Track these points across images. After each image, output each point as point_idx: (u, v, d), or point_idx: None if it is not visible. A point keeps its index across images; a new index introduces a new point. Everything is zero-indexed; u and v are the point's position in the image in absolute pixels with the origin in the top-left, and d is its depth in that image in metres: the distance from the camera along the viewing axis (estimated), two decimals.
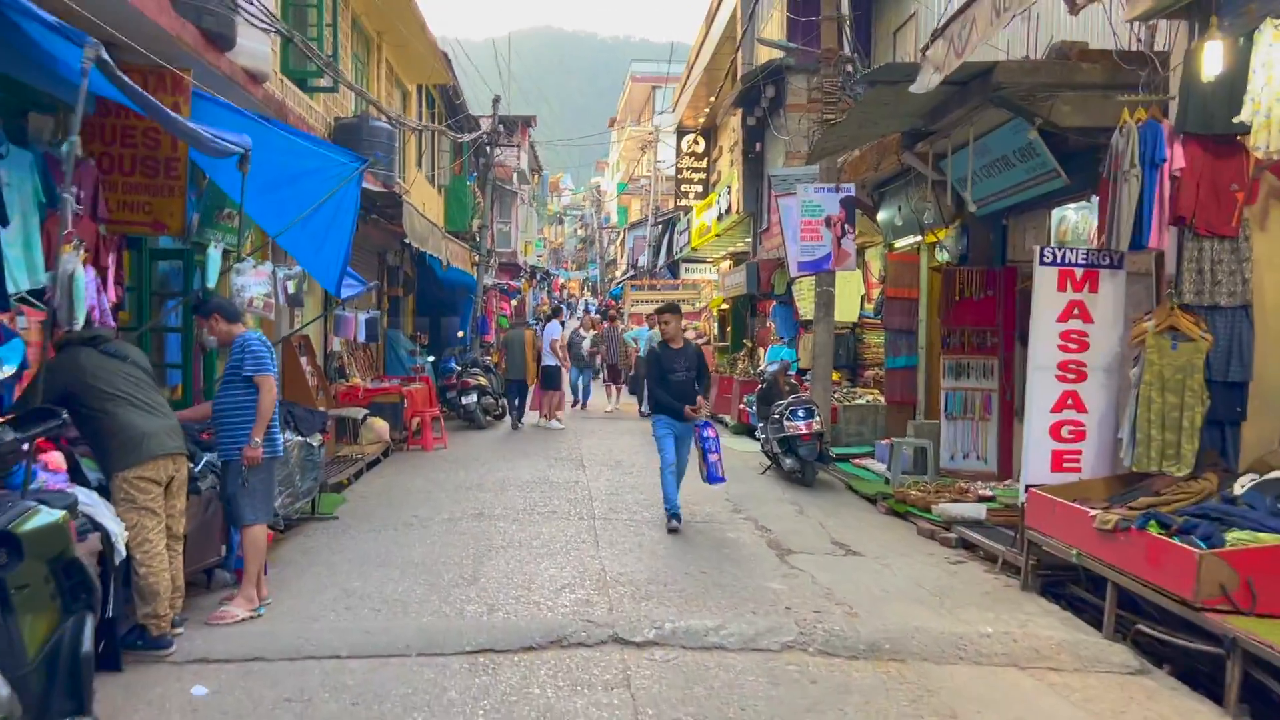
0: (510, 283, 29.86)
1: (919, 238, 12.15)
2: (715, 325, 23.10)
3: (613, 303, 42.17)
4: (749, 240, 21.51)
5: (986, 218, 10.24)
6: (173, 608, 5.12)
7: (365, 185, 10.57)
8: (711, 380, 14.72)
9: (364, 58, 15.57)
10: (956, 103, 8.64)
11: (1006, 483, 9.50)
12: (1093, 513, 5.89)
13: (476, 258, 19.63)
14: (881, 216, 12.90)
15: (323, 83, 12.37)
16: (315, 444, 8.22)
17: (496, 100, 19.92)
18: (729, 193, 19.76)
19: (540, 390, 15.98)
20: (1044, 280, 6.94)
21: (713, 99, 25.97)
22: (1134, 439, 6.46)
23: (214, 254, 6.00)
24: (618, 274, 57.47)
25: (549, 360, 15.87)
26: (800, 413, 10.45)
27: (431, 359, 17.44)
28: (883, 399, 13.34)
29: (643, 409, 18.03)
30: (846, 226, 11.80)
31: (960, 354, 10.44)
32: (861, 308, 15.34)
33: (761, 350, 18.09)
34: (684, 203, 29.49)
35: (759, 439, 11.94)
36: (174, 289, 7.65)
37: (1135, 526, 5.43)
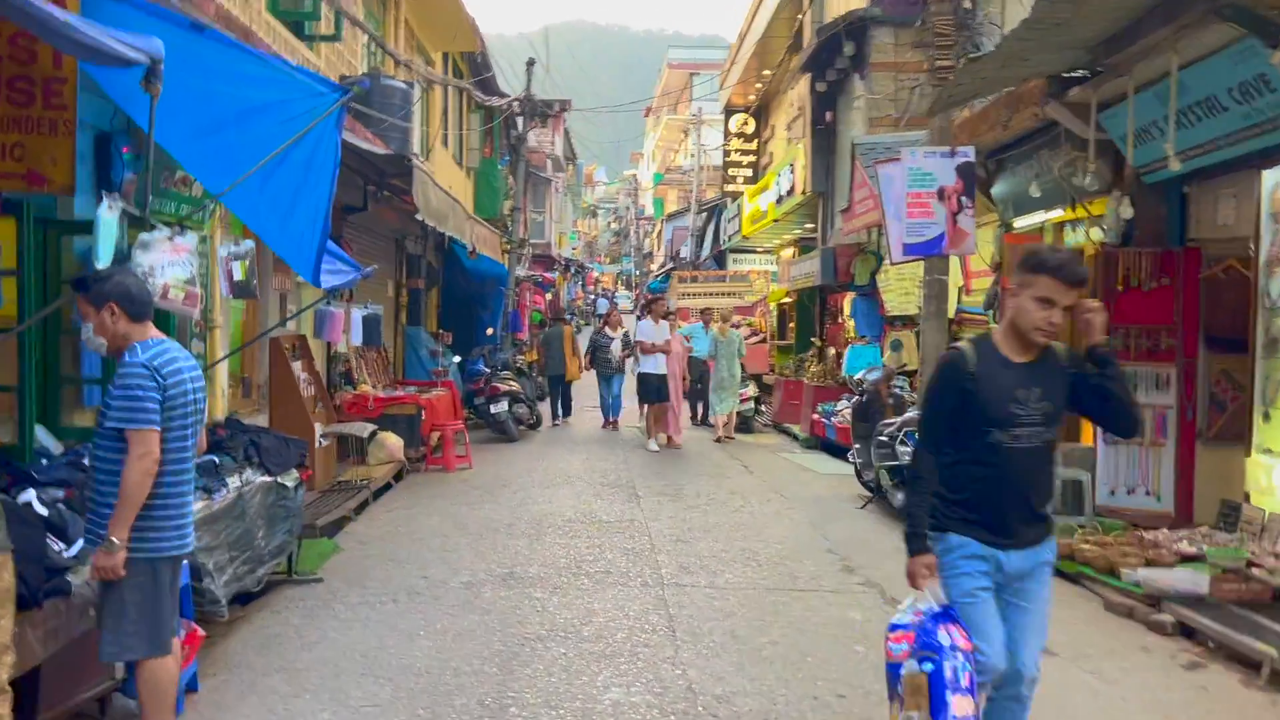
0: (545, 274, 27.76)
1: (1048, 215, 9.86)
2: (774, 321, 20.79)
3: (649, 296, 39.58)
4: (813, 225, 19.26)
5: (1158, 185, 7.96)
6: None
7: (368, 147, 8.48)
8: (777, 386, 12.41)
9: (379, 14, 13.48)
10: (1155, 23, 6.38)
11: (1202, 530, 7.21)
12: None
13: (508, 245, 17.50)
14: (998, 190, 10.60)
15: (323, 29, 10.30)
16: (290, 484, 6.13)
17: (531, 64, 17.73)
18: (791, 171, 17.50)
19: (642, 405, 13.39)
20: None
21: (766, 73, 23.74)
22: None
23: (105, 218, 3.91)
24: (653, 267, 55.39)
25: (647, 367, 13.04)
26: None
27: (457, 359, 15.37)
28: None
29: (701, 420, 15.87)
30: (964, 200, 9.50)
31: (1124, 360, 8.15)
32: (959, 300, 13.04)
33: (833, 351, 15.83)
34: (731, 188, 27.27)
35: (852, 461, 9.72)
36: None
37: None
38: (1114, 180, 8.34)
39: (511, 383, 13.99)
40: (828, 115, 16.05)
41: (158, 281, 4.13)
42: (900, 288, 12.87)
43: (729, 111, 27.41)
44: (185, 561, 4.13)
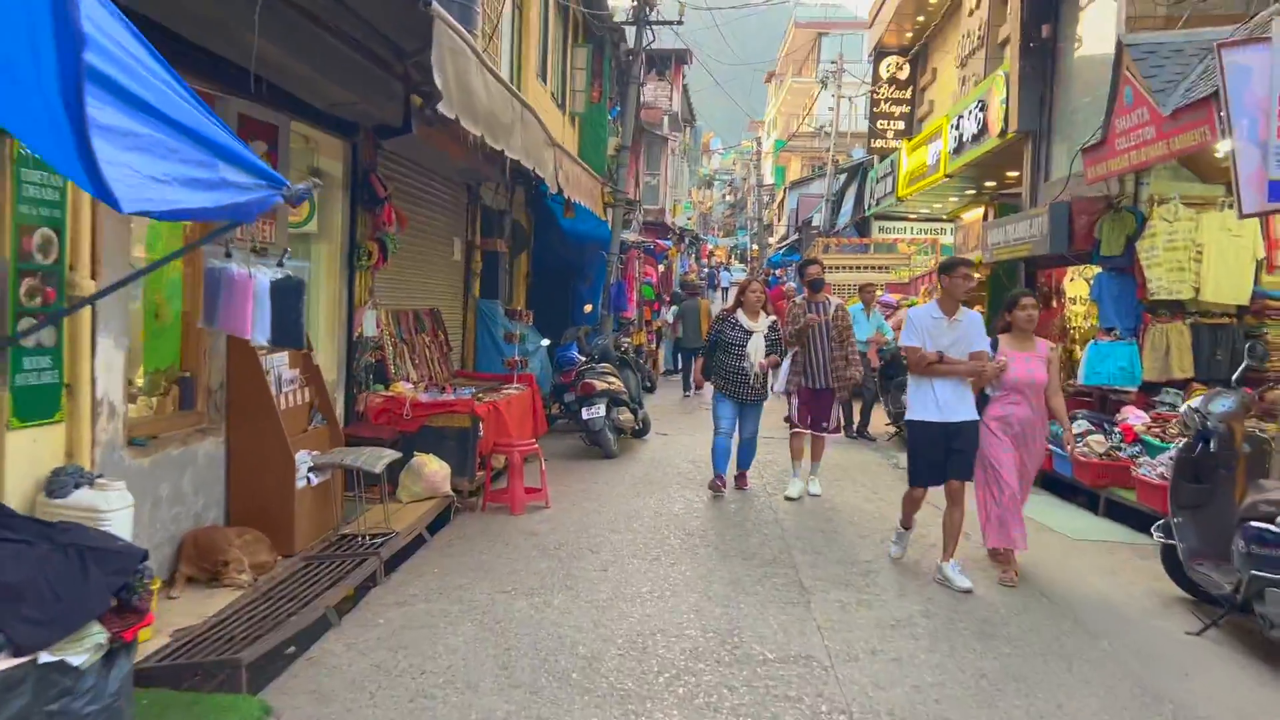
0: (659, 241, 24.19)
1: None
2: None
3: (779, 269, 35.55)
4: (994, 183, 15.22)
5: None
6: None
7: None
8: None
9: None
10: None
11: None
12: None
13: (611, 198, 13.96)
14: None
15: None
16: (81, 662, 2.72)
17: None
18: (981, 109, 13.44)
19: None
20: None
21: (932, 1, 19.58)
22: None
23: None
24: (773, 239, 51.49)
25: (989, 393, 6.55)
26: None
27: (546, 343, 11.97)
28: None
29: (858, 431, 12.18)
30: None
31: None
32: (1257, 281, 8.99)
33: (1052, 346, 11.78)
34: (879, 144, 23.16)
35: (1170, 542, 5.83)
36: None
37: None
38: None
39: (611, 379, 10.48)
40: (1043, 29, 11.97)
41: None
42: (1171, 260, 8.85)
43: (879, 53, 23.22)
44: None
